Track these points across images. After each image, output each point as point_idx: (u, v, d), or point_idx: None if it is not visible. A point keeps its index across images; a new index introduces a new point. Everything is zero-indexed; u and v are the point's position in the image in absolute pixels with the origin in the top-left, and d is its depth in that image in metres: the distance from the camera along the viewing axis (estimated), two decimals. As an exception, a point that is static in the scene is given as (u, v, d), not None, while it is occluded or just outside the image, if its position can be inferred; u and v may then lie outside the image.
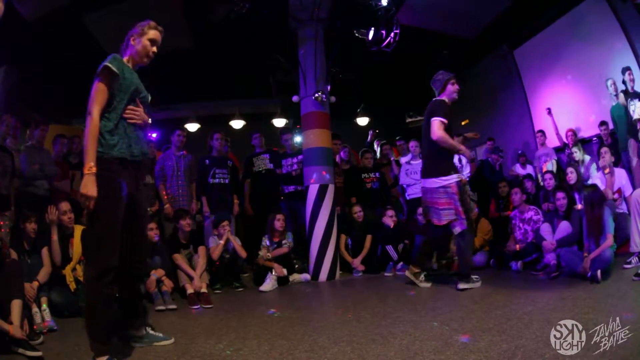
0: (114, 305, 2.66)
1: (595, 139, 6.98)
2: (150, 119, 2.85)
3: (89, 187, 2.48)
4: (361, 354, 2.52)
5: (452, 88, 4.58)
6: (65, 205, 4.30)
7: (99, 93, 2.57)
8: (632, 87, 6.21)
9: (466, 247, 4.41)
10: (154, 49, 2.88)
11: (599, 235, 4.29)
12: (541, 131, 7.70)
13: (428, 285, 4.61)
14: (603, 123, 6.54)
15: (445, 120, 4.31)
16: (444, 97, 4.56)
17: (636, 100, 6.02)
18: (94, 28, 6.84)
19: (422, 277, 4.66)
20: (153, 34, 2.87)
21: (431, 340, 2.64)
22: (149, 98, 2.91)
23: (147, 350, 2.84)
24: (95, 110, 2.54)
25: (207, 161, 6.20)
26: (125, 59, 2.82)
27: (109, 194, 2.55)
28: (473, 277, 4.34)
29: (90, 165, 2.48)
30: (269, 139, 7.32)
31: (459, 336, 2.64)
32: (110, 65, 2.58)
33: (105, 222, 2.54)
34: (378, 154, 8.26)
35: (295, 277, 5.65)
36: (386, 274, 5.89)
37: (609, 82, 6.53)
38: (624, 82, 6.32)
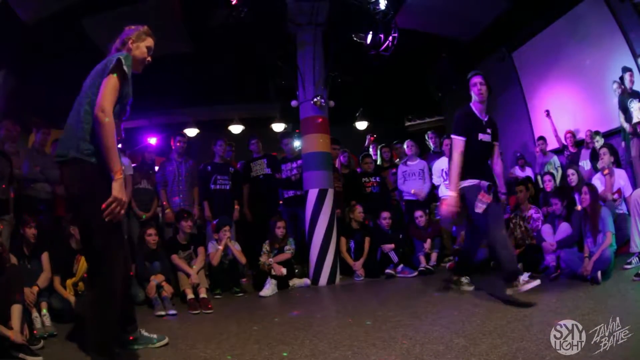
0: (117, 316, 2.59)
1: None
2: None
3: (123, 192, 2.36)
4: (362, 358, 2.52)
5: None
6: None
7: (114, 90, 2.44)
8: (631, 88, 6.21)
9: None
10: (149, 58, 2.81)
11: (596, 233, 4.33)
12: (542, 138, 7.63)
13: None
14: (597, 133, 6.55)
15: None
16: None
17: (636, 100, 6.02)
18: (94, 32, 6.85)
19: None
20: (150, 41, 2.79)
21: (432, 344, 2.64)
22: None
23: (148, 355, 2.84)
24: (110, 107, 2.39)
25: (209, 167, 6.25)
26: None
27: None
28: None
29: (121, 170, 2.39)
30: (268, 144, 7.32)
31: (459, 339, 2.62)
32: (125, 64, 2.48)
33: (114, 231, 2.47)
34: (378, 159, 8.27)
35: (296, 281, 5.64)
36: (387, 271, 5.88)
37: (615, 85, 6.50)
38: (622, 81, 6.30)
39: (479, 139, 4.03)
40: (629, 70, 6.27)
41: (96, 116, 2.36)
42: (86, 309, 2.46)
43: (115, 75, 2.43)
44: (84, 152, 2.42)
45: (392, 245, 6.09)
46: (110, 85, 2.41)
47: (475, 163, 3.99)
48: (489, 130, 4.11)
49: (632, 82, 6.19)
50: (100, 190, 2.35)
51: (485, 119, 4.15)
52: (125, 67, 2.48)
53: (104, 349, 2.43)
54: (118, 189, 2.33)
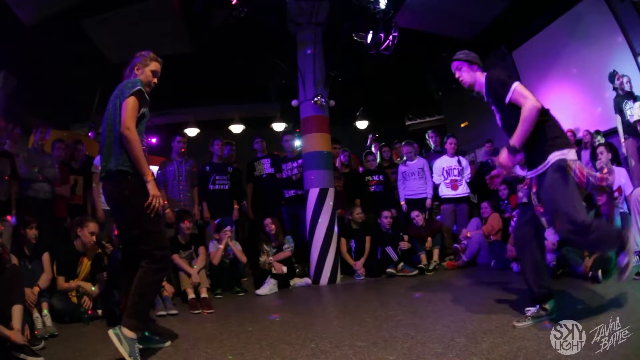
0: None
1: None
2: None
3: (157, 190, 2.83)
4: (363, 357, 2.52)
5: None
6: (93, 227, 4.24)
7: (135, 110, 2.82)
8: (623, 89, 6.21)
9: None
10: (155, 79, 3.07)
11: None
12: None
13: None
14: (597, 133, 6.54)
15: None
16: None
17: (630, 101, 6.02)
18: (94, 33, 6.85)
19: None
20: (154, 65, 3.08)
21: (433, 343, 2.64)
22: None
23: (148, 355, 2.84)
24: (133, 125, 2.78)
25: (207, 167, 6.26)
26: None
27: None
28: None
29: (151, 172, 2.84)
30: (268, 144, 7.31)
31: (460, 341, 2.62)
32: (144, 90, 2.86)
33: (158, 220, 2.90)
34: (378, 158, 8.27)
35: (296, 281, 5.65)
36: (388, 270, 5.91)
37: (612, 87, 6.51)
38: (614, 88, 6.31)
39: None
40: (615, 73, 6.27)
41: (122, 134, 2.76)
42: (133, 289, 2.80)
43: (134, 97, 2.80)
44: (121, 164, 2.81)
45: (408, 245, 6.11)
46: (130, 106, 2.79)
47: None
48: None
49: (622, 83, 6.20)
50: (139, 193, 2.78)
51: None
52: (146, 96, 2.87)
53: (141, 314, 2.80)
54: (152, 188, 2.80)
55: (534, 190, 3.00)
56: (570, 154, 2.87)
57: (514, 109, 2.96)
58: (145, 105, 2.90)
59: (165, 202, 5.72)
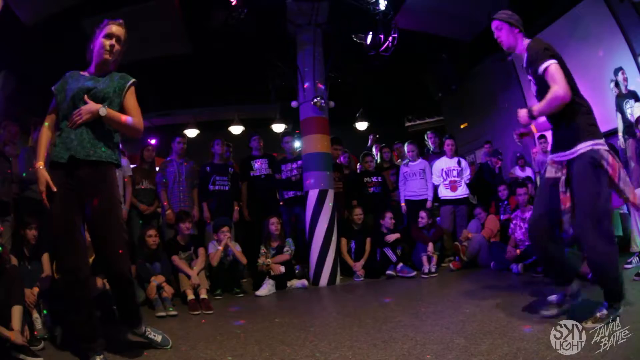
0: (84, 306, 2.69)
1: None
2: (102, 108, 2.76)
3: (39, 182, 2.68)
4: (362, 359, 2.52)
5: None
6: None
7: (49, 111, 2.99)
8: (626, 87, 6.21)
9: None
10: (112, 41, 2.94)
11: None
12: (543, 136, 7.64)
13: None
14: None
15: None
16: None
17: (632, 100, 6.02)
18: (94, 33, 6.84)
19: None
20: (108, 28, 2.98)
21: (432, 344, 2.64)
22: (107, 92, 2.92)
23: (148, 356, 2.84)
24: (44, 123, 2.95)
25: (207, 168, 6.25)
26: (92, 67, 3.03)
27: (49, 194, 2.66)
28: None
29: (37, 161, 2.72)
30: (268, 144, 7.32)
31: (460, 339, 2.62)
32: (53, 88, 2.98)
33: (50, 221, 2.72)
34: (378, 158, 8.28)
35: (293, 282, 5.63)
36: (388, 272, 5.89)
37: (612, 85, 6.51)
38: (617, 83, 6.31)
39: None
40: (621, 69, 6.27)
41: None
42: None
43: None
44: None
45: (397, 235, 6.13)
46: None
47: None
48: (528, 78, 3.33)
49: (625, 80, 6.19)
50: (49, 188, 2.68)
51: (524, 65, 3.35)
52: (52, 91, 3.03)
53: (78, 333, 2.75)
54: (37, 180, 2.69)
55: (563, 172, 2.96)
56: (603, 145, 2.88)
57: (545, 83, 2.98)
58: (58, 96, 2.96)
59: (165, 203, 5.81)
